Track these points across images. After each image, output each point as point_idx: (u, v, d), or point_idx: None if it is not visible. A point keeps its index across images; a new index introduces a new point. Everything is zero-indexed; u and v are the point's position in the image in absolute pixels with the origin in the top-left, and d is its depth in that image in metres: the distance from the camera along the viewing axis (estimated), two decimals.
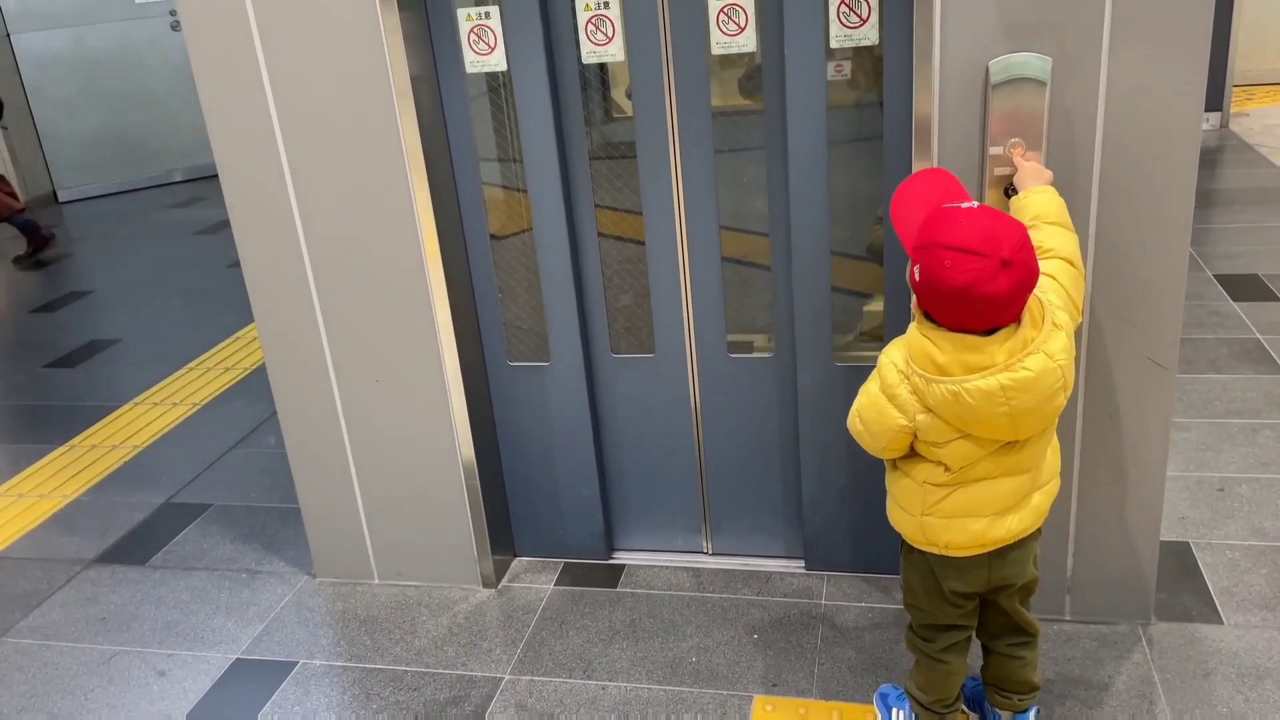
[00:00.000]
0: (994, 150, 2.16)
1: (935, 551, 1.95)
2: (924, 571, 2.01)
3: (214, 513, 3.43)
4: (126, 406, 4.32)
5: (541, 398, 2.81)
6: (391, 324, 2.65)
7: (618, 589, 2.83)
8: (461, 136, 2.58)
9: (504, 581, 2.92)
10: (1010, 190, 2.15)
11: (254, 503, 3.46)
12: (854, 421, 1.95)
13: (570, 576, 2.91)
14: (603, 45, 2.47)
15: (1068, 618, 2.52)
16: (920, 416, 1.83)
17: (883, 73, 2.30)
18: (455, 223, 2.64)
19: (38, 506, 3.57)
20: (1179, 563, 2.69)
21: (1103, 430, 2.33)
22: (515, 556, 3.02)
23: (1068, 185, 2.14)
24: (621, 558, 2.98)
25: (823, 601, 2.70)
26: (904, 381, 1.84)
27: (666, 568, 2.91)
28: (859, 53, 2.37)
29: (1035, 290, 1.81)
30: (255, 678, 2.61)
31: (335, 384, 2.75)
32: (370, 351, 2.69)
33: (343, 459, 2.83)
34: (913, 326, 1.83)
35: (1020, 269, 1.66)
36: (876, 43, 2.29)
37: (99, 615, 2.93)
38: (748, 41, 2.40)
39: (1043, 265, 1.91)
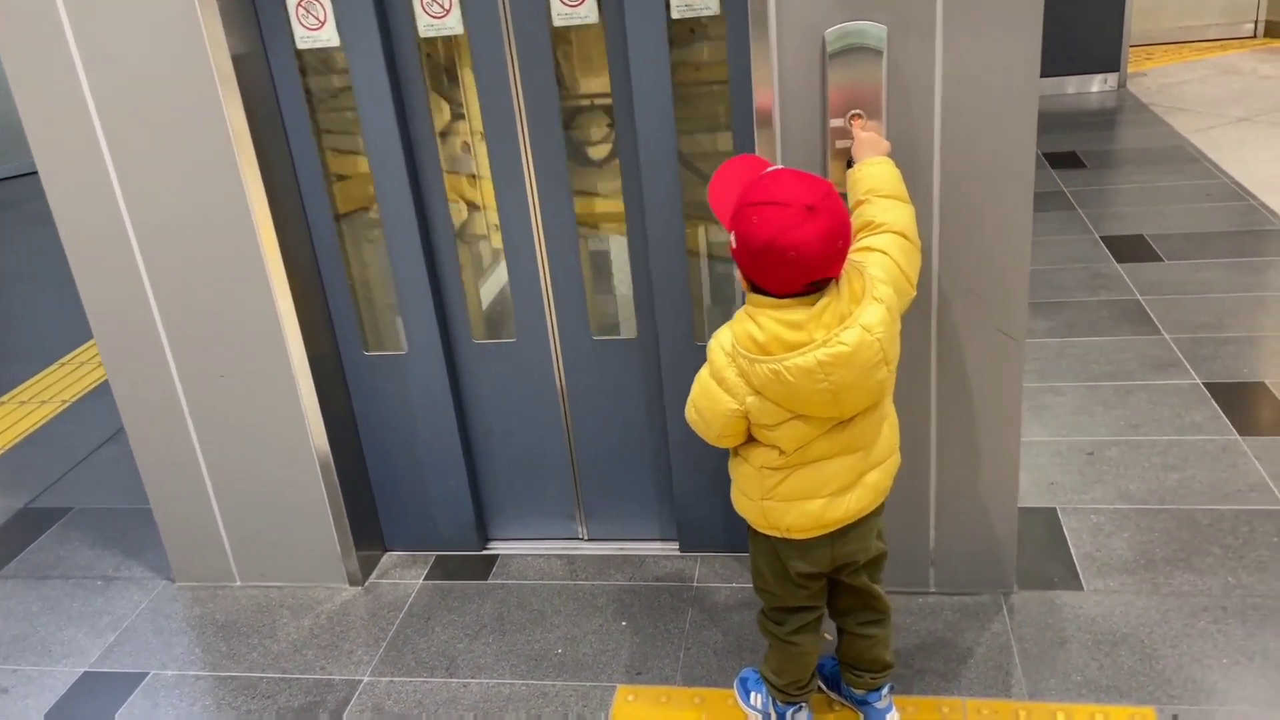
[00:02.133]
0: (835, 123, 2.11)
1: (777, 535, 1.91)
2: (769, 555, 1.97)
3: (75, 516, 3.28)
4: None
5: (401, 388, 2.72)
6: (232, 316, 2.53)
7: (489, 581, 2.77)
8: (297, 116, 2.46)
9: (372, 578, 2.83)
10: (850, 164, 2.11)
11: (118, 504, 3.31)
12: (690, 412, 1.90)
13: (441, 570, 2.83)
14: (440, 18, 2.36)
15: (932, 590, 2.52)
16: (749, 399, 1.78)
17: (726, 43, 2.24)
18: (295, 208, 2.52)
19: None
20: (1046, 529, 2.71)
21: (956, 403, 2.31)
22: (385, 551, 2.93)
23: (909, 156, 2.10)
24: (495, 548, 2.91)
25: (695, 584, 2.66)
26: (731, 364, 1.79)
27: (540, 556, 2.84)
28: (702, 24, 2.29)
29: (856, 261, 1.78)
30: (102, 692, 2.49)
31: (178, 380, 2.62)
32: (212, 345, 2.57)
33: (193, 458, 2.70)
34: (740, 310, 1.78)
35: (827, 214, 1.64)
36: (718, 12, 2.22)
37: None
38: (589, 13, 2.31)
39: (873, 240, 1.87)
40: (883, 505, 1.96)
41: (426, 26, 2.37)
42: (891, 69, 2.06)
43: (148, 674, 2.54)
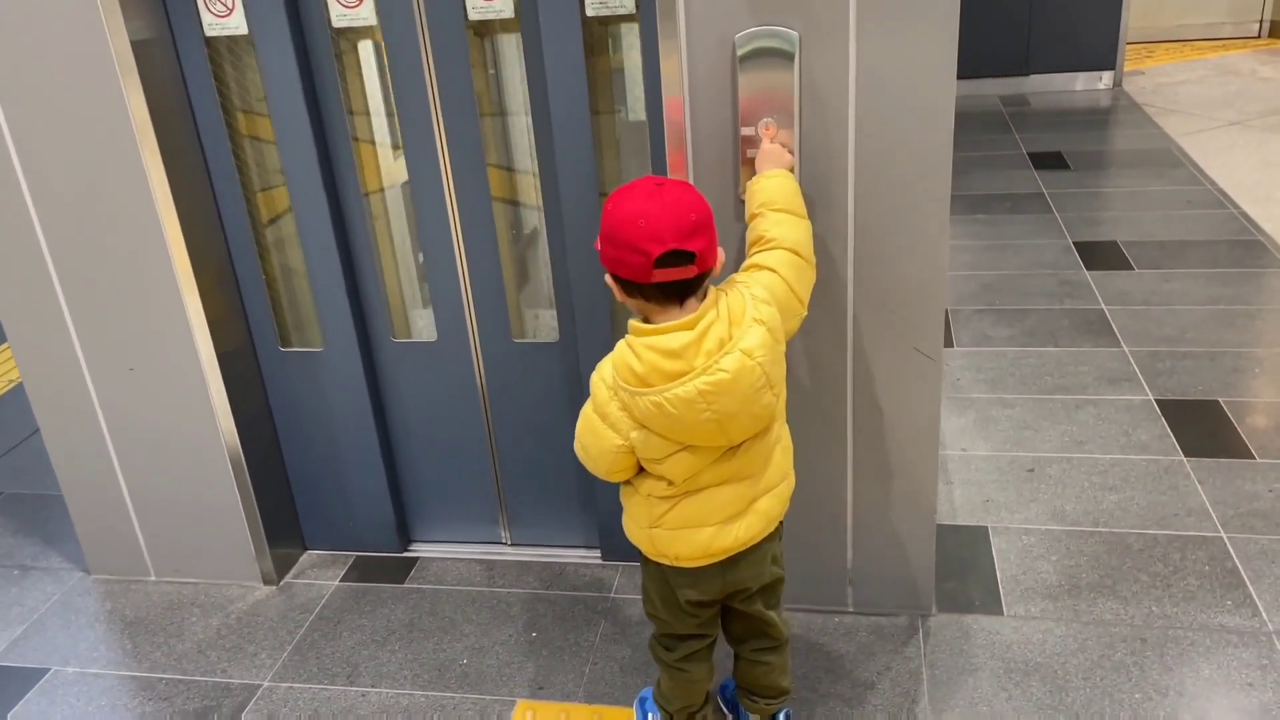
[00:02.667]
0: (746, 131, 2.03)
1: (666, 562, 1.84)
2: (659, 581, 1.91)
3: (1, 502, 3.24)
4: None
5: (318, 386, 2.66)
6: (138, 309, 2.46)
7: (404, 584, 2.71)
8: (207, 107, 2.38)
9: (288, 577, 2.78)
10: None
11: (48, 491, 3.27)
12: (577, 448, 1.83)
13: (359, 571, 2.78)
14: (352, 8, 2.28)
15: (850, 609, 2.45)
16: (634, 434, 1.71)
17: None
18: (205, 200, 2.45)
19: None
20: (975, 548, 2.64)
21: (872, 422, 2.24)
22: (305, 550, 2.88)
23: (822, 167, 2.02)
24: (417, 550, 2.85)
25: (612, 594, 2.60)
26: (613, 398, 1.72)
27: (461, 560, 2.79)
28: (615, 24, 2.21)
29: (740, 281, 1.70)
30: (0, 688, 2.45)
31: (88, 373, 2.56)
32: (121, 338, 2.51)
33: (104, 451, 2.65)
34: (621, 341, 1.71)
35: (675, 188, 1.61)
36: (633, 11, 2.14)
37: None
38: (505, 6, 2.23)
39: (763, 257, 1.80)
40: (779, 530, 1.89)
41: (339, 16, 2.30)
42: (804, 76, 1.98)
43: (49, 670, 2.49)
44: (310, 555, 2.86)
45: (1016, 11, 7.04)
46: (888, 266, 2.10)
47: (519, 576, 2.71)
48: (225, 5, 2.27)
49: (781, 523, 1.89)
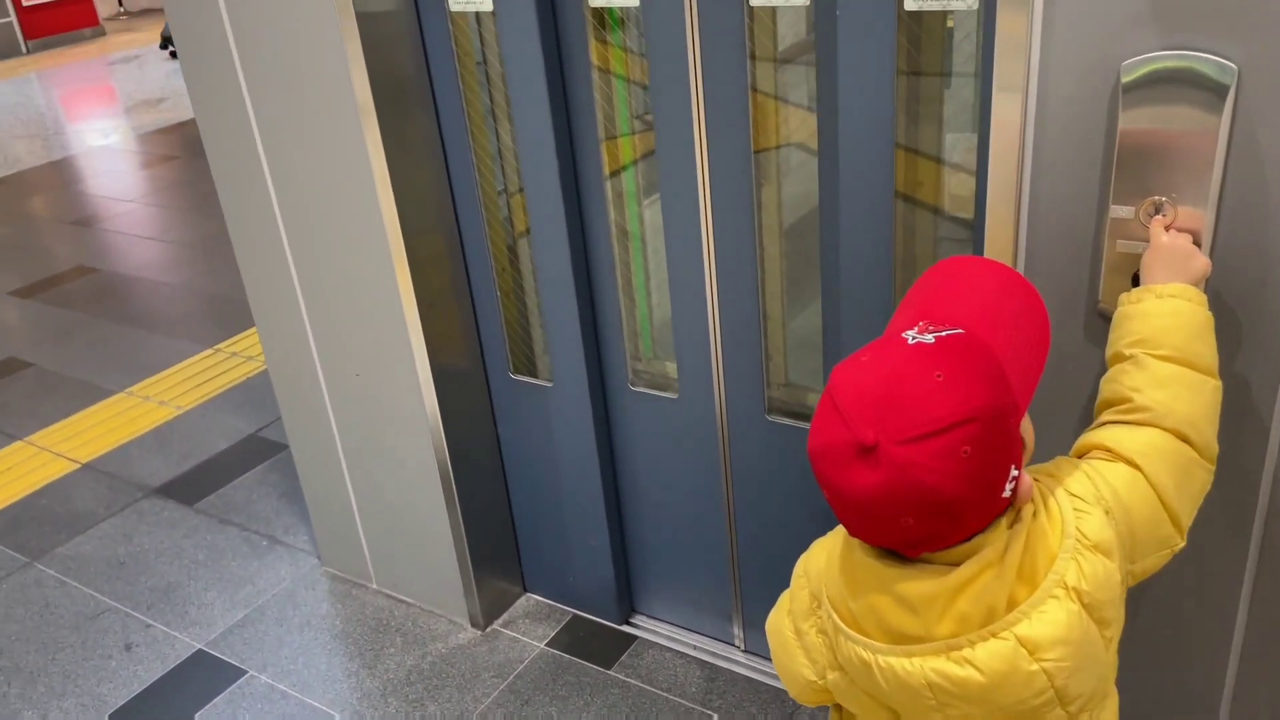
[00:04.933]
0: (1119, 212, 1.27)
1: None
2: None
3: (287, 457, 3.25)
4: None
5: (545, 422, 2.26)
6: (362, 313, 2.20)
7: (612, 671, 2.29)
8: (450, 93, 2.01)
9: (498, 622, 2.46)
10: (1135, 282, 1.27)
11: None
12: (768, 632, 1.27)
13: (570, 635, 2.40)
14: None
15: None
16: (831, 674, 1.12)
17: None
18: (436, 204, 2.10)
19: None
20: None
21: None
22: (525, 592, 2.55)
23: (1249, 281, 1.22)
24: (639, 624, 2.41)
25: None
26: (813, 613, 1.13)
27: (682, 655, 2.30)
28: (929, 25, 1.51)
29: (1060, 486, 1.03)
30: (199, 680, 2.38)
31: (320, 371, 2.36)
32: (347, 341, 2.27)
33: (333, 451, 2.47)
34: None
35: (892, 472, 0.91)
36: (975, 6, 1.42)
37: (119, 557, 2.84)
38: None
39: (1119, 435, 1.09)
40: None
41: None
42: (1237, 131, 1.18)
43: (246, 674, 2.38)
44: (529, 600, 2.52)
45: None
46: None
47: (744, 697, 2.18)
48: None
49: None
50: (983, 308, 1.03)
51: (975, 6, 1.41)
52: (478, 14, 1.95)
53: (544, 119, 1.90)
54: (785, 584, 2.10)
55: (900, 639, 1.00)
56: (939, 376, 0.92)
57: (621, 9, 1.84)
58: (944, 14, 1.48)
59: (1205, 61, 1.16)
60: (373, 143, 1.95)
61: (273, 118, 2.08)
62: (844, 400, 0.94)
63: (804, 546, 2.06)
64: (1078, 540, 0.98)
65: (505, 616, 2.48)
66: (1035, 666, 0.95)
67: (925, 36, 1.54)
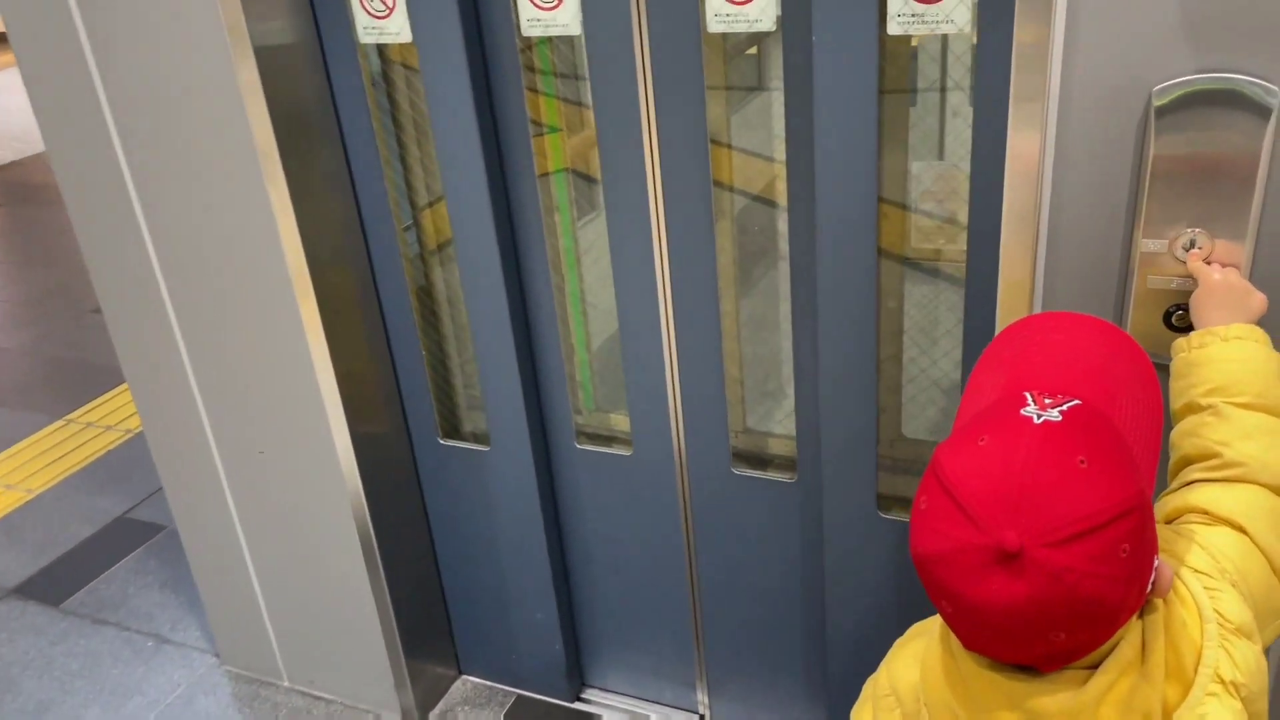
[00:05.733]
0: (1150, 245, 1.19)
1: None
2: None
3: (164, 539, 2.91)
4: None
5: (482, 489, 2.06)
6: (267, 381, 1.95)
7: None
8: (360, 133, 1.80)
9: (435, 711, 2.23)
10: (1176, 320, 1.19)
11: None
12: None
13: (517, 718, 2.19)
14: (550, 9, 1.61)
15: None
16: None
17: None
18: (350, 249, 1.88)
19: None
20: None
21: None
22: (460, 674, 2.32)
23: None
24: (591, 700, 2.23)
25: None
26: None
27: None
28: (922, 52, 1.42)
29: (1184, 571, 0.91)
30: None
31: (216, 450, 2.09)
32: (249, 414, 2.01)
33: (234, 536, 2.19)
34: (939, 620, 0.96)
35: (1043, 581, 0.77)
36: (966, 29, 1.33)
37: None
38: (763, 17, 1.48)
39: (1215, 495, 0.97)
40: None
41: (532, 22, 1.63)
42: (1278, 163, 1.11)
43: None
44: (466, 683, 2.30)
45: None
46: None
47: None
48: (384, 3, 1.66)
49: None
50: (1094, 373, 0.90)
51: (967, 30, 1.31)
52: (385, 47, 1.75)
53: (475, 160, 1.72)
54: (754, 647, 2.00)
55: None
56: (1082, 463, 0.78)
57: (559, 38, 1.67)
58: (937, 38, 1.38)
59: (1247, 84, 1.08)
60: (275, 189, 1.72)
61: (149, 162, 1.81)
62: (969, 496, 0.79)
63: (773, 606, 1.95)
64: (1220, 625, 0.87)
65: (442, 705, 2.25)
66: None
67: (901, 59, 1.45)
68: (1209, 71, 1.10)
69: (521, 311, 1.87)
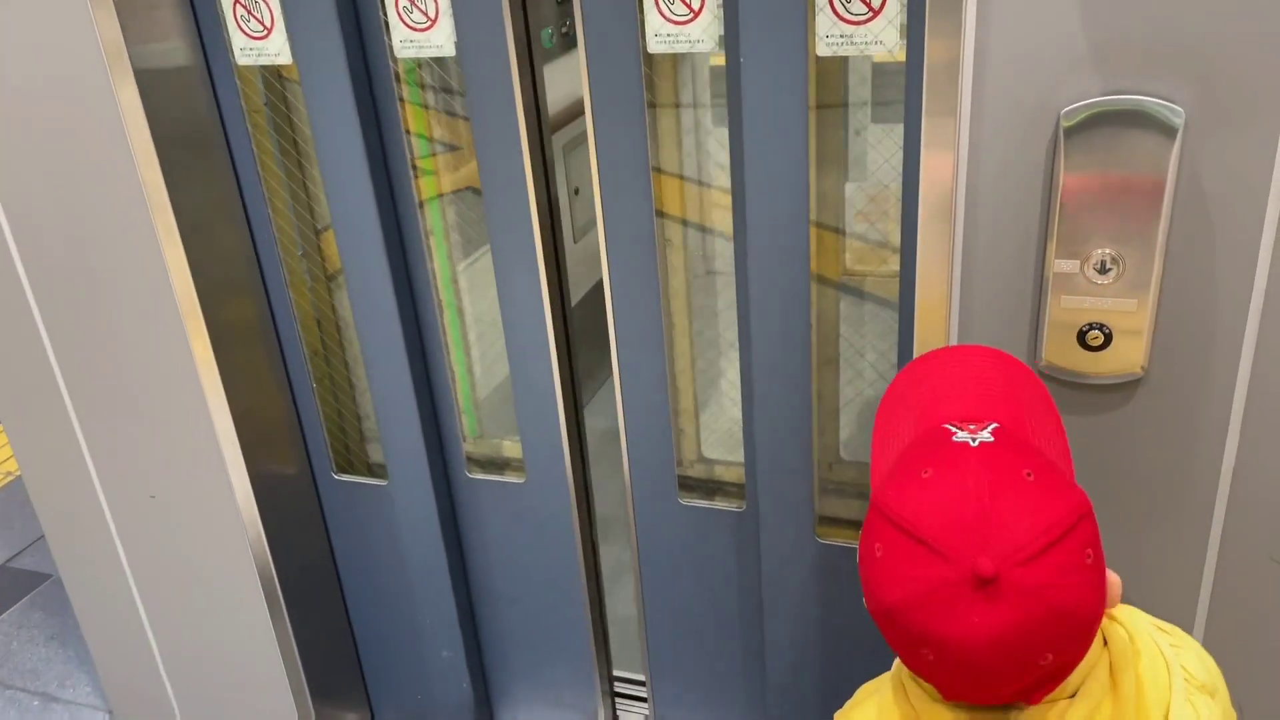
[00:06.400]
0: (1063, 266, 1.19)
1: None
2: None
3: (49, 588, 2.73)
4: None
5: (384, 524, 1.98)
6: (156, 421, 1.83)
7: None
8: (247, 159, 1.71)
9: None
10: (1090, 339, 1.19)
11: None
12: None
13: None
14: (423, 30, 1.55)
15: None
16: None
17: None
18: (244, 283, 1.78)
19: None
20: None
21: None
22: (372, 717, 2.23)
23: (1194, 345, 1.17)
24: None
25: None
26: None
27: None
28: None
29: (1124, 618, 0.90)
30: None
31: (102, 495, 1.96)
32: (138, 457, 1.89)
33: (125, 588, 2.05)
34: (892, 681, 0.94)
35: (1023, 602, 0.74)
36: (897, 52, 1.32)
37: None
38: (703, 37, 1.44)
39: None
40: None
41: (405, 43, 1.56)
42: (1184, 181, 1.12)
43: None
44: None
45: None
46: None
47: None
48: (261, 23, 1.58)
49: None
50: (1001, 397, 0.90)
51: (896, 51, 1.30)
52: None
53: (363, 185, 1.65)
54: (697, 673, 1.95)
55: None
56: (1029, 476, 0.77)
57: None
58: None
59: (1152, 105, 1.09)
60: (161, 218, 1.61)
61: (22, 187, 1.68)
62: (932, 531, 0.75)
63: (686, 633, 1.91)
64: (1186, 680, 0.86)
65: None
66: None
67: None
68: (1115, 93, 1.11)
69: (417, 337, 1.80)
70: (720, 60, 1.44)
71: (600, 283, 1.65)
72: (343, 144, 1.61)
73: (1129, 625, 0.88)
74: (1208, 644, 1.19)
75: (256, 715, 2.10)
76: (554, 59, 1.96)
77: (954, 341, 1.28)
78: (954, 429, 0.82)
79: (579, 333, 1.78)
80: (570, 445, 1.80)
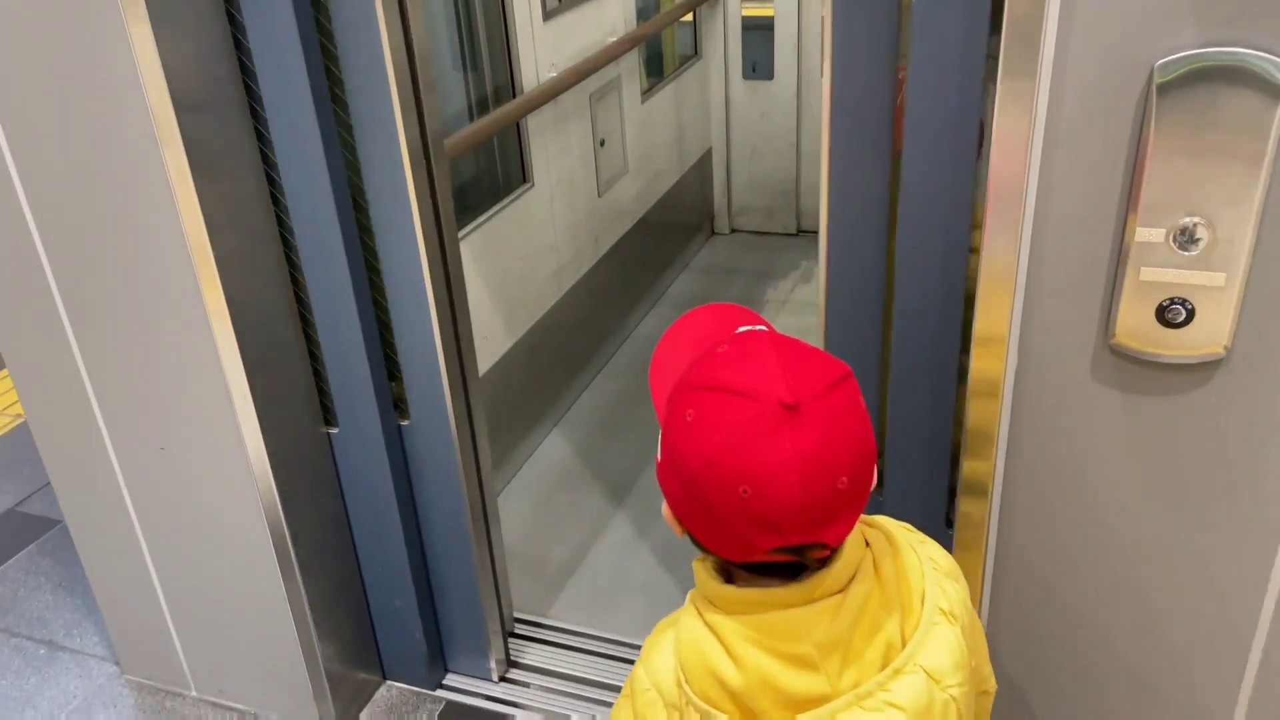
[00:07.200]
0: (1146, 235, 1.10)
1: None
2: None
3: (58, 535, 2.69)
4: None
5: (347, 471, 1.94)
6: (167, 373, 1.77)
7: None
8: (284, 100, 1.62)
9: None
10: (1170, 315, 1.10)
11: None
12: None
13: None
14: None
15: None
16: None
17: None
18: (262, 225, 1.71)
19: None
20: None
21: None
22: (384, 680, 2.18)
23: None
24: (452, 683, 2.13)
25: None
26: None
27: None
28: None
29: (899, 533, 1.02)
30: None
31: (111, 447, 1.90)
32: (148, 408, 1.83)
33: (133, 538, 2.00)
34: (685, 609, 1.00)
35: (824, 423, 0.86)
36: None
37: None
38: None
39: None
40: None
41: None
42: None
43: None
44: (391, 689, 2.16)
45: None
46: None
47: None
48: None
49: None
50: (744, 315, 1.05)
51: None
52: None
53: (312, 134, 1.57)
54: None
55: (802, 705, 0.90)
56: (807, 341, 0.94)
57: None
58: None
59: (1255, 59, 0.99)
60: (172, 155, 1.53)
61: (30, 129, 1.61)
62: (736, 380, 0.87)
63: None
64: (934, 568, 0.99)
65: (366, 713, 2.10)
66: (942, 694, 0.92)
67: None
68: (1215, 46, 1.01)
69: (365, 284, 1.77)
70: None
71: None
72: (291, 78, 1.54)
73: (883, 527, 1.01)
74: (1273, 639, 1.13)
75: (264, 671, 2.05)
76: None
77: (1018, 314, 1.19)
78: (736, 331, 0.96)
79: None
80: (452, 386, 1.82)
